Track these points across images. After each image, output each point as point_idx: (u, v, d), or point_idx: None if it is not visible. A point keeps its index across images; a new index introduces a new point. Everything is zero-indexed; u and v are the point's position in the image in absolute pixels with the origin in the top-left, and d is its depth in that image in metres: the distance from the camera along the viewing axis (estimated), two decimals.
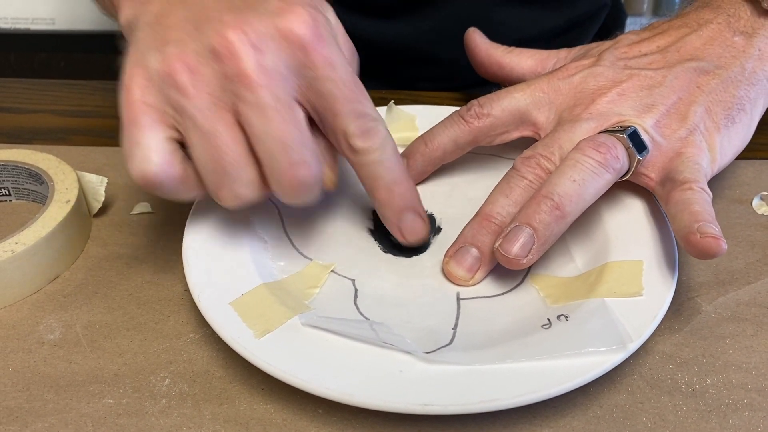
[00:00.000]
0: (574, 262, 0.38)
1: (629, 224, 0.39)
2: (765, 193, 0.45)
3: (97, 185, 0.44)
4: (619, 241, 0.38)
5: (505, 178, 0.39)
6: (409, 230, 0.37)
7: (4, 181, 0.45)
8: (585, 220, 0.39)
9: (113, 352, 0.35)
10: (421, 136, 0.43)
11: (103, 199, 0.44)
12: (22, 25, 1.00)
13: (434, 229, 0.42)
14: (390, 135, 0.35)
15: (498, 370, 0.31)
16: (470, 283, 0.37)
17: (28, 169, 0.44)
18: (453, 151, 0.43)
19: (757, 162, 0.48)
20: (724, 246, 0.33)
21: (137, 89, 0.32)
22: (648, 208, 0.40)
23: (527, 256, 0.34)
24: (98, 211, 0.44)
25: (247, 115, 0.32)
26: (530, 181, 0.38)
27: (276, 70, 0.32)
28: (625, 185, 0.41)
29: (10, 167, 0.44)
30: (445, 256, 0.38)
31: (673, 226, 0.35)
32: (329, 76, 0.32)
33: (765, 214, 0.44)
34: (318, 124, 0.35)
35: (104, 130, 0.53)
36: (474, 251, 0.37)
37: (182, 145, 0.33)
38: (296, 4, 0.32)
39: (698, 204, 0.35)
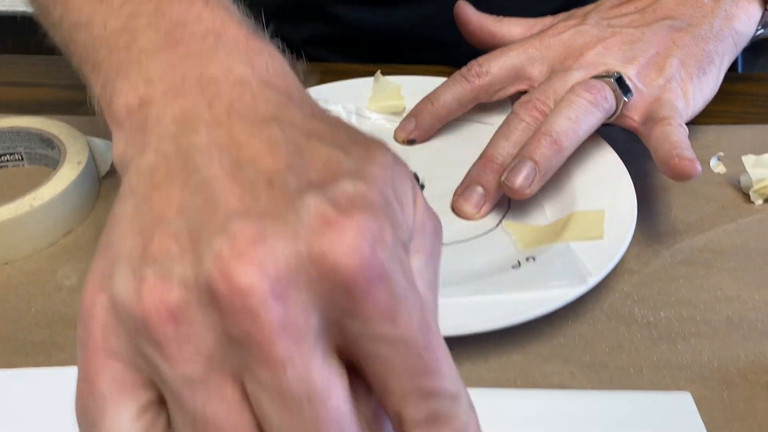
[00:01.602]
0: (545, 213, 0.42)
1: (595, 181, 0.43)
2: (722, 154, 0.49)
3: (105, 150, 0.47)
4: (585, 195, 0.42)
5: (505, 122, 0.44)
6: None
7: (17, 146, 0.48)
8: (556, 177, 0.43)
9: None
10: (427, 96, 0.48)
11: (110, 162, 0.47)
12: (19, 8, 1.03)
13: (418, 186, 0.45)
14: (473, 416, 0.22)
15: (472, 301, 0.35)
16: (477, 217, 0.42)
17: (40, 134, 0.47)
18: (457, 108, 0.48)
19: (716, 127, 0.52)
20: (699, 167, 0.38)
21: (97, 327, 0.21)
22: (612, 168, 0.44)
23: (530, 186, 0.39)
24: (106, 173, 0.47)
25: (258, 395, 0.20)
26: (528, 123, 0.42)
27: (308, 332, 0.20)
28: (595, 144, 0.45)
29: (23, 133, 0.47)
30: (453, 195, 0.43)
31: (655, 155, 0.40)
32: (387, 335, 0.20)
33: (721, 172, 0.48)
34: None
35: None
36: (479, 189, 0.42)
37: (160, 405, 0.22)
38: (347, 208, 0.20)
39: (676, 135, 0.40)
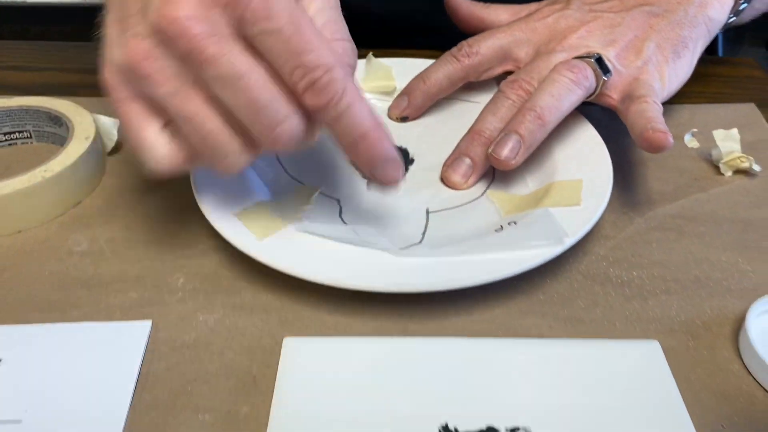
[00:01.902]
0: (526, 184, 0.45)
1: (574, 154, 0.46)
2: (695, 130, 0.52)
3: (111, 127, 0.49)
4: (565, 167, 0.45)
5: (492, 99, 0.46)
6: (383, 177, 0.36)
7: (26, 124, 0.50)
8: (538, 151, 0.45)
9: (133, 259, 0.41)
10: (419, 75, 0.50)
11: (116, 138, 0.49)
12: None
13: (408, 160, 0.48)
14: (350, 83, 0.32)
15: (458, 260, 0.37)
16: (464, 187, 0.45)
17: (48, 112, 0.49)
18: (447, 86, 0.50)
19: (692, 106, 0.55)
20: (671, 140, 0.41)
21: (114, 88, 0.33)
22: (591, 143, 0.46)
23: (515, 158, 0.42)
24: (112, 149, 0.50)
25: (213, 91, 0.32)
26: (513, 101, 0.45)
27: (225, 36, 0.30)
28: (576, 121, 0.47)
29: (32, 111, 0.50)
30: (443, 166, 0.45)
31: (631, 130, 0.43)
32: (266, 28, 0.30)
33: (694, 147, 0.51)
34: None
35: None
36: (467, 161, 0.44)
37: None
38: None
39: (651, 112, 0.42)
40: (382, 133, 0.34)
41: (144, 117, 0.33)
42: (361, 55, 0.55)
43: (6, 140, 0.51)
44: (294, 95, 0.32)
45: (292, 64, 0.31)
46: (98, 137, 0.48)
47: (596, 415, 0.32)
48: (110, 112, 0.52)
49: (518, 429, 0.31)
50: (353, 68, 0.35)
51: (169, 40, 0.30)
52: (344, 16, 0.37)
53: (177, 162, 0.34)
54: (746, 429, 0.32)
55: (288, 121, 0.32)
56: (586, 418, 0.32)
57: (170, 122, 0.34)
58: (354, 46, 0.36)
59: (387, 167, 0.35)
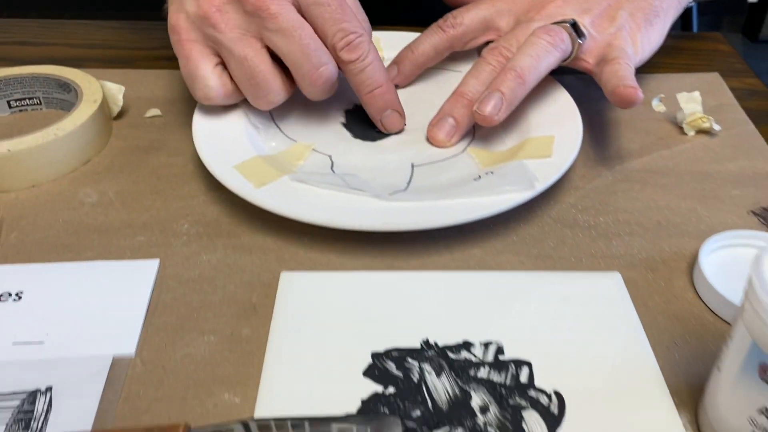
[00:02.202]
0: (504, 142, 0.49)
1: (549, 115, 0.49)
2: (663, 95, 0.55)
3: (116, 92, 0.53)
4: (539, 125, 0.49)
5: (475, 65, 0.50)
6: (389, 123, 0.49)
7: (36, 91, 0.54)
8: (516, 113, 0.49)
9: (141, 209, 0.45)
10: (408, 46, 0.54)
11: (121, 104, 0.53)
12: None
13: None
14: (374, 48, 0.45)
15: (438, 204, 0.41)
16: (448, 144, 0.48)
17: (57, 79, 0.53)
18: (434, 56, 0.54)
19: (661, 75, 0.59)
20: (641, 94, 0.44)
21: (183, 31, 0.44)
22: (564, 105, 0.50)
23: (498, 114, 0.45)
24: (117, 114, 0.53)
25: (272, 40, 0.43)
26: (494, 66, 0.49)
27: (284, 0, 0.42)
28: (551, 87, 0.51)
29: (42, 78, 0.53)
30: (429, 125, 0.49)
31: (605, 89, 0.46)
32: (317, 0, 0.43)
33: (661, 111, 0.55)
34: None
35: (114, 59, 0.62)
36: (451, 120, 0.48)
37: (224, 65, 0.45)
38: None
39: (623, 71, 0.46)
40: (392, 88, 0.48)
41: (203, 55, 0.44)
42: None
43: (17, 106, 0.54)
44: (332, 51, 0.44)
45: (335, 28, 0.43)
46: (105, 101, 0.51)
47: (561, 334, 0.35)
48: (116, 80, 0.55)
49: (491, 342, 0.35)
50: (371, 36, 0.46)
51: (240, 1, 0.41)
52: None
53: (223, 92, 0.45)
54: (695, 344, 0.36)
55: (329, 66, 0.44)
56: (552, 335, 0.35)
57: (222, 64, 0.44)
58: (368, 20, 0.48)
59: (393, 115, 0.48)
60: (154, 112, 0.54)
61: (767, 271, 0.27)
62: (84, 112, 0.49)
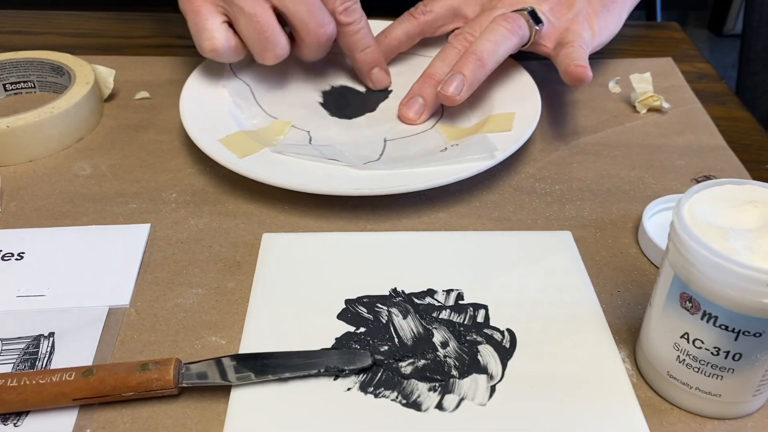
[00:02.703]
0: (469, 119, 0.53)
1: (511, 94, 0.53)
2: (618, 78, 0.60)
3: (107, 76, 0.56)
4: (502, 103, 0.53)
5: (442, 49, 0.54)
6: (377, 79, 0.56)
7: (30, 75, 0.57)
8: (481, 93, 0.53)
9: (132, 180, 0.48)
10: (382, 31, 0.58)
11: (112, 86, 0.56)
12: None
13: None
14: (364, 15, 0.52)
15: (408, 172, 0.45)
16: (417, 122, 0.52)
17: (51, 63, 0.56)
18: (406, 41, 0.58)
19: (618, 60, 0.63)
20: (590, 73, 0.48)
21: None
22: (525, 86, 0.54)
23: (460, 94, 0.49)
24: (108, 97, 0.56)
25: (280, 1, 0.48)
26: (459, 50, 0.53)
27: None
28: (514, 70, 0.55)
29: (36, 62, 0.56)
30: (399, 105, 0.53)
31: (560, 69, 0.50)
32: None
33: (617, 92, 0.59)
34: None
35: (103, 47, 0.65)
36: (420, 100, 0.52)
37: (231, 27, 0.49)
38: None
39: (577, 52, 0.50)
40: (379, 48, 0.56)
41: (211, 11, 0.48)
42: None
43: (12, 89, 0.57)
44: (332, 15, 0.50)
45: None
46: (97, 83, 0.54)
47: (516, 283, 0.39)
48: (106, 66, 0.58)
49: (453, 290, 0.38)
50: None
51: None
52: None
53: (227, 45, 0.48)
54: (636, 291, 0.40)
55: (330, 25, 0.50)
56: (508, 284, 0.39)
57: (228, 23, 0.49)
58: None
59: (380, 73, 0.56)
60: (143, 94, 0.57)
61: (685, 215, 0.31)
62: (77, 92, 0.52)
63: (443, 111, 0.54)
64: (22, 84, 0.57)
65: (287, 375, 0.33)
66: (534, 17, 0.53)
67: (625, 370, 0.35)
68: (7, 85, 0.57)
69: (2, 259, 0.41)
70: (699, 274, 0.30)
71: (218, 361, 0.34)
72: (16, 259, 0.41)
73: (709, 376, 0.32)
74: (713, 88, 0.61)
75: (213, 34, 0.48)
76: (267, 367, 0.33)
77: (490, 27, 0.52)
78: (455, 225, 0.45)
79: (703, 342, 0.31)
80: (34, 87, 0.57)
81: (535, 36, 0.53)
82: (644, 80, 0.56)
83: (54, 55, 0.56)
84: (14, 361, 0.35)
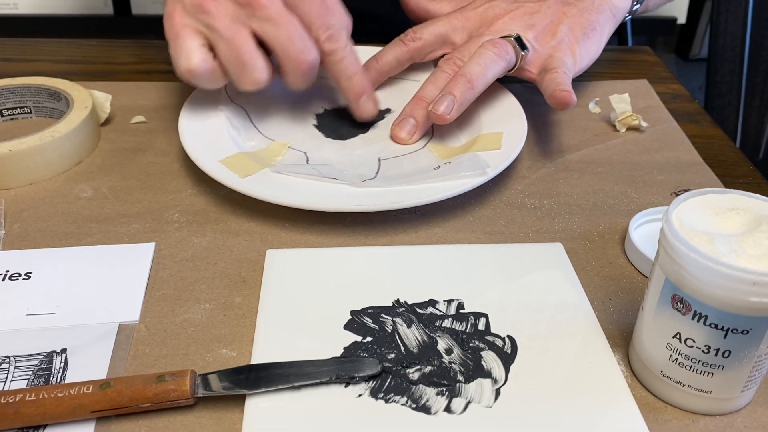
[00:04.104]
0: (459, 139, 0.55)
1: (498, 116, 0.56)
2: (598, 99, 0.63)
3: (103, 101, 0.57)
4: (490, 124, 0.55)
5: (432, 73, 0.56)
6: (365, 109, 0.54)
7: (27, 100, 0.58)
8: (469, 115, 0.55)
9: (133, 201, 0.49)
10: (373, 56, 0.60)
11: (108, 111, 0.57)
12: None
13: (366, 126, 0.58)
14: (351, 42, 0.51)
15: (404, 189, 0.46)
16: (410, 142, 0.54)
17: (48, 89, 0.57)
18: (396, 66, 0.60)
19: (596, 82, 0.66)
20: (575, 98, 0.51)
21: (177, 17, 0.47)
22: (512, 108, 0.56)
23: (450, 113, 0.51)
24: (104, 121, 0.58)
25: (262, 28, 0.47)
26: (449, 74, 0.55)
27: None
28: (501, 93, 0.58)
29: (33, 88, 0.57)
30: (392, 125, 0.55)
31: (545, 94, 0.53)
32: None
33: (596, 112, 0.62)
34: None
35: (96, 73, 0.66)
36: (412, 121, 0.54)
37: (211, 51, 0.49)
38: None
39: (561, 77, 0.52)
40: (366, 76, 0.54)
41: (192, 35, 0.48)
42: None
43: (9, 115, 0.58)
44: (315, 42, 0.49)
45: (321, 21, 0.49)
46: (95, 108, 0.56)
47: (512, 292, 0.41)
48: (106, 89, 0.60)
49: (453, 300, 0.40)
50: (350, 30, 0.52)
51: None
52: None
53: (204, 66, 0.48)
54: (626, 299, 0.42)
55: (312, 52, 0.49)
56: (505, 293, 0.41)
57: (208, 46, 0.48)
58: (349, 14, 0.52)
59: (368, 102, 0.54)
60: (139, 118, 0.58)
61: (674, 221, 0.33)
62: (77, 116, 0.53)
63: (433, 131, 0.56)
64: (18, 109, 0.58)
65: (300, 383, 0.34)
66: (520, 44, 0.55)
67: (620, 372, 0.36)
68: (3, 111, 0.57)
69: (10, 279, 0.42)
70: (689, 276, 0.32)
71: (232, 372, 0.35)
72: (24, 279, 0.42)
73: (700, 374, 0.34)
74: (687, 108, 0.64)
75: (190, 54, 0.47)
76: (280, 376, 0.34)
77: (479, 51, 0.54)
78: (451, 239, 0.47)
79: (694, 341, 0.33)
80: (31, 112, 0.58)
81: (521, 62, 0.55)
82: (623, 101, 0.59)
83: (51, 81, 0.57)
84: (28, 377, 0.36)
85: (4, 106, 0.57)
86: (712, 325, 0.32)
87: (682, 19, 1.43)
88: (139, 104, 0.61)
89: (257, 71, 0.48)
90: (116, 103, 0.59)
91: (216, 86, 0.50)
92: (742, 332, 0.32)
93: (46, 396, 0.33)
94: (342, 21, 0.50)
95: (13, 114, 0.58)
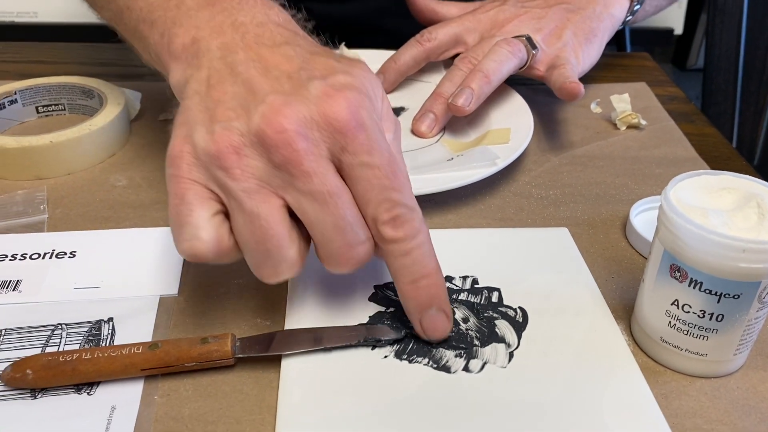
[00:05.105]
0: (469, 134, 0.59)
1: (505, 113, 0.60)
2: (599, 100, 0.66)
3: (134, 98, 0.61)
4: (498, 121, 0.58)
5: (449, 71, 0.60)
6: (431, 327, 0.37)
7: (61, 98, 0.61)
8: (479, 112, 0.59)
9: (166, 190, 0.52)
10: (391, 57, 0.64)
11: (138, 108, 0.61)
12: (6, 18, 1.14)
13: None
14: (425, 227, 0.35)
15: (419, 178, 0.50)
16: (429, 135, 0.58)
17: (81, 87, 0.60)
18: (413, 65, 0.64)
19: (598, 85, 0.70)
20: (582, 89, 0.54)
21: (184, 165, 0.34)
22: (518, 107, 0.60)
23: (469, 105, 0.55)
24: (135, 117, 0.61)
25: (299, 202, 0.33)
26: (464, 71, 0.59)
27: (322, 156, 0.33)
28: (508, 94, 0.61)
29: (67, 87, 0.61)
30: (412, 120, 0.58)
31: (553, 87, 0.57)
32: (366, 162, 0.33)
33: (598, 112, 0.65)
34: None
35: (124, 76, 0.70)
36: (431, 115, 0.58)
37: (226, 213, 0.34)
38: (340, 88, 0.34)
39: (568, 71, 0.56)
40: (441, 280, 0.36)
41: (201, 199, 0.34)
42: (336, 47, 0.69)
43: (44, 112, 0.61)
44: (371, 223, 0.34)
45: (382, 197, 0.34)
46: (127, 104, 0.59)
47: (523, 270, 0.44)
48: (133, 88, 0.63)
49: (468, 276, 0.43)
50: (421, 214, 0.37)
51: (269, 146, 0.32)
52: (318, 21, 0.43)
53: (216, 248, 0.34)
54: (627, 277, 0.45)
55: (365, 244, 0.34)
56: (516, 271, 0.44)
57: (224, 213, 0.35)
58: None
59: (437, 316, 0.36)
60: (168, 115, 0.62)
61: (672, 197, 0.37)
62: (111, 111, 0.56)
63: (446, 129, 0.60)
64: (53, 107, 0.61)
65: (331, 345, 0.37)
66: (531, 43, 0.59)
67: (624, 339, 0.40)
68: (39, 108, 0.61)
69: (56, 257, 0.45)
70: (685, 246, 0.35)
71: (269, 336, 0.38)
72: (69, 257, 0.45)
73: (696, 338, 0.37)
74: (683, 109, 0.68)
75: (197, 232, 0.34)
76: (312, 339, 0.38)
77: (494, 49, 0.58)
78: (463, 224, 0.50)
79: (690, 306, 0.36)
80: (64, 109, 0.62)
81: (531, 60, 0.59)
82: (623, 100, 0.63)
83: (84, 80, 0.61)
84: (80, 342, 0.39)
85: (39, 104, 0.61)
86: (707, 291, 0.35)
87: (678, 30, 1.47)
88: (166, 103, 0.64)
89: (284, 264, 0.34)
90: (145, 101, 0.63)
91: (226, 262, 0.36)
92: (733, 297, 0.35)
93: (100, 355, 0.36)
94: (414, 199, 0.35)
95: (48, 111, 0.61)
